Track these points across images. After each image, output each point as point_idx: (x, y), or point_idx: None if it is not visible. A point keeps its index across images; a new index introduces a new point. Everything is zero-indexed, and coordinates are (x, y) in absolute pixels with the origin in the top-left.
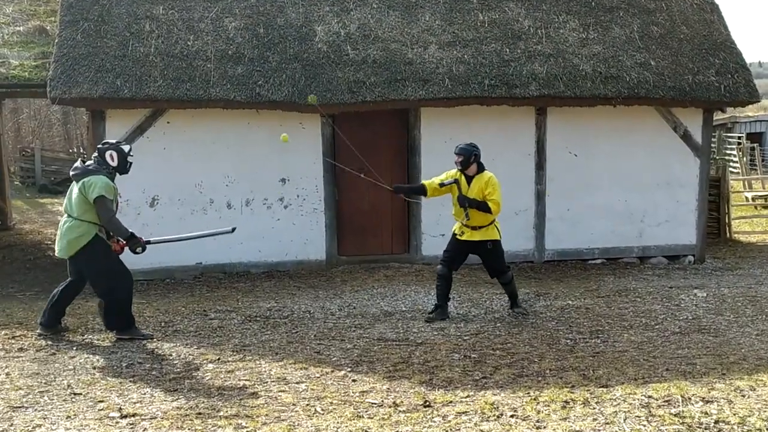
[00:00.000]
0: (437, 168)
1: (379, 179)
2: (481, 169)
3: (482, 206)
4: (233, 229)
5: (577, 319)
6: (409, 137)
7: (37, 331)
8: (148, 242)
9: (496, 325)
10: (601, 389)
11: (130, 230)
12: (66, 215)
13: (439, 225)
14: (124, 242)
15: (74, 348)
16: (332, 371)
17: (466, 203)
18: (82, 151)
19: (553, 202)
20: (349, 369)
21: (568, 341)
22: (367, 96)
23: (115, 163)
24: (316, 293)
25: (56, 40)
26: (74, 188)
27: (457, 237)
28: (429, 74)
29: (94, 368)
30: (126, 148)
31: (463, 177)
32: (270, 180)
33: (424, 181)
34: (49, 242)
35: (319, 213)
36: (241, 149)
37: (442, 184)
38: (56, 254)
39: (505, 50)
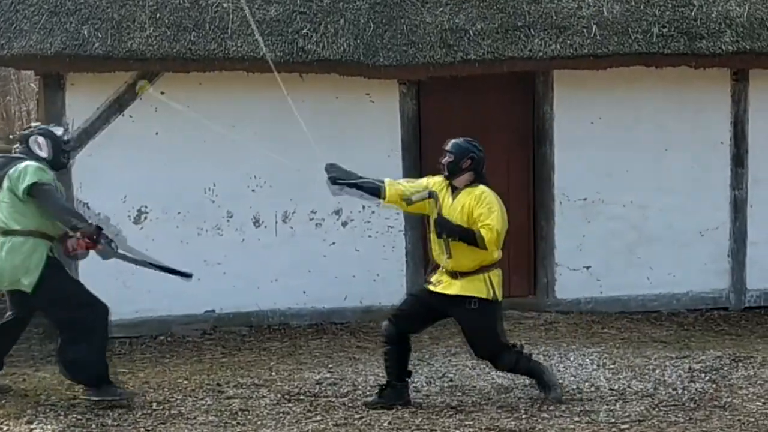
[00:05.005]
0: (577, 163)
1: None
2: (477, 181)
3: (470, 237)
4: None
5: None
6: (535, 116)
7: None
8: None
9: (670, 407)
10: None
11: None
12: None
13: (582, 252)
14: (89, 236)
15: None
16: None
17: (444, 230)
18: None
19: (759, 216)
20: None
21: None
22: (471, 52)
23: (44, 154)
24: None
25: None
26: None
27: (428, 285)
28: (566, 19)
29: None
30: (59, 131)
31: (448, 189)
32: (321, 183)
33: (387, 180)
34: None
35: (396, 233)
36: (276, 135)
37: (409, 200)
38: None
39: None
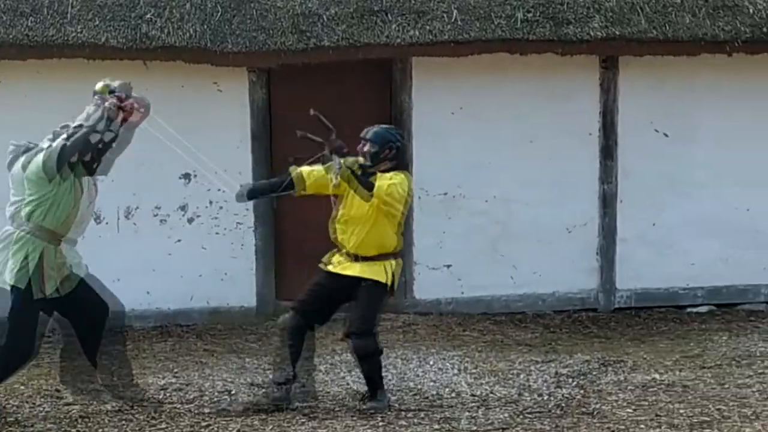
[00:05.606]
0: (437, 156)
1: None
2: (398, 169)
3: (363, 182)
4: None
5: (668, 403)
6: (393, 105)
7: None
8: None
9: (535, 414)
10: None
11: None
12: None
13: (442, 250)
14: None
15: None
16: None
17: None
18: None
19: (629, 211)
20: None
21: None
22: (324, 38)
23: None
24: (240, 362)
25: None
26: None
27: (325, 268)
28: (425, 3)
29: None
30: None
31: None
32: (165, 177)
33: (295, 171)
34: None
35: (245, 230)
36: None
37: (337, 184)
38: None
39: None
